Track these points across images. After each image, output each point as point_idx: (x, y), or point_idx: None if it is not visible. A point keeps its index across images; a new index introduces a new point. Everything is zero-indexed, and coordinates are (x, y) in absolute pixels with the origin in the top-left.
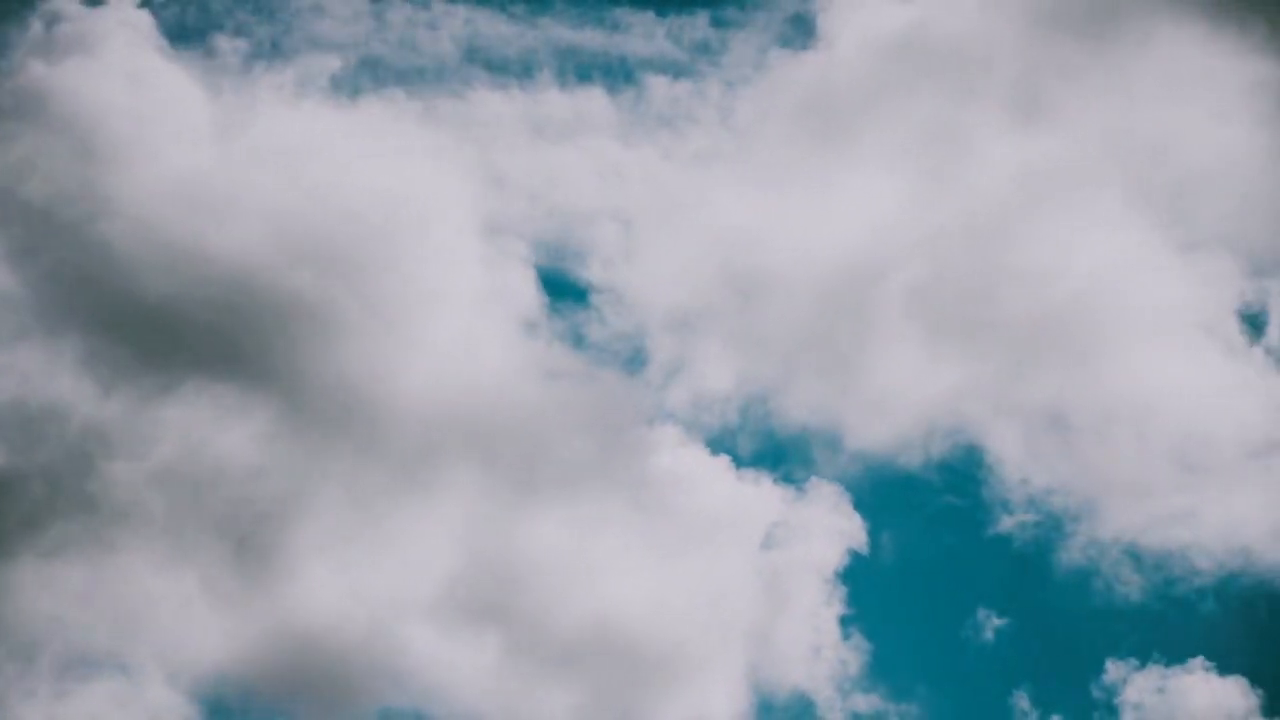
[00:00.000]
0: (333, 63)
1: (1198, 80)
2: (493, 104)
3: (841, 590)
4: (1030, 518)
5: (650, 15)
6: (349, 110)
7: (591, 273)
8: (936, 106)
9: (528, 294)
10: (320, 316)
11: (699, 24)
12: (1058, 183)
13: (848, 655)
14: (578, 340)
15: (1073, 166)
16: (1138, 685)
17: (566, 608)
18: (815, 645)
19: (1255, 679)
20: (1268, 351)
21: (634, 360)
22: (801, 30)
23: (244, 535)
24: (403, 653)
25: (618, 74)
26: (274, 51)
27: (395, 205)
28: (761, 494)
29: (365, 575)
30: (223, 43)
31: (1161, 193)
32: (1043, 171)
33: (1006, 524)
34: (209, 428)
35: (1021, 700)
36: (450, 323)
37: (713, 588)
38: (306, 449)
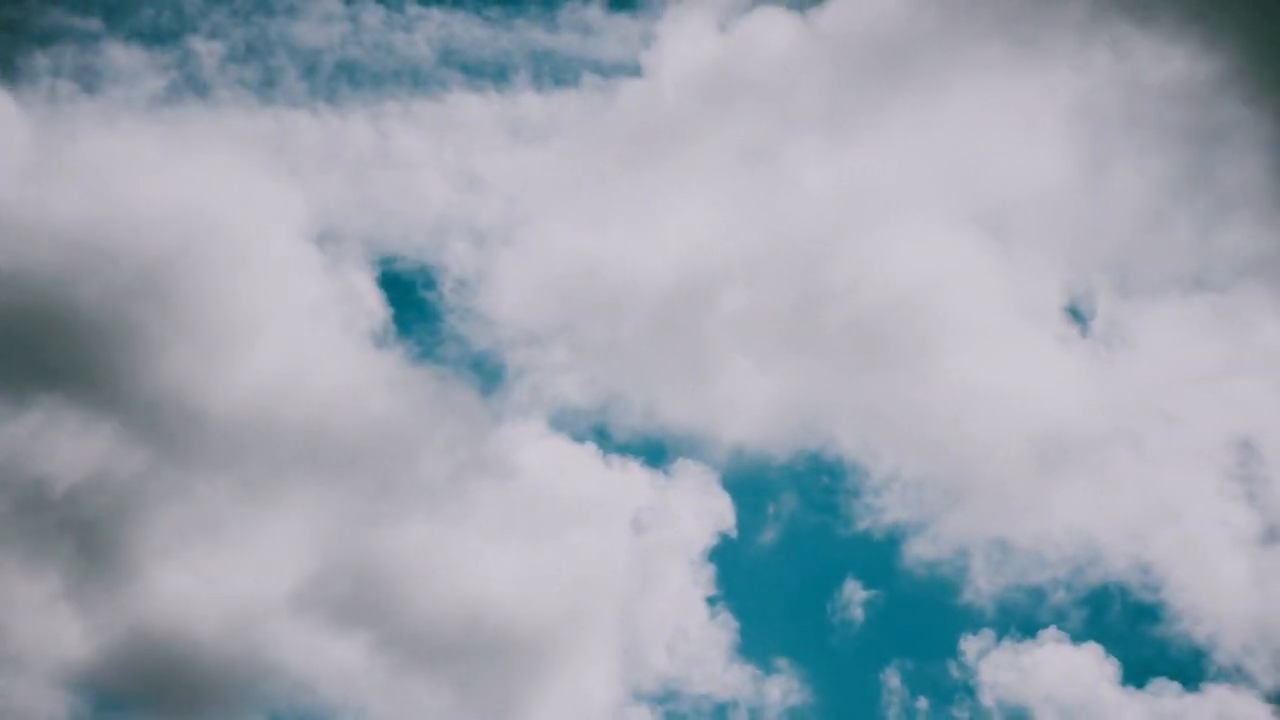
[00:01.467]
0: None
1: (1006, 105)
2: (343, 119)
3: (710, 570)
4: (889, 508)
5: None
6: (171, 129)
7: (444, 286)
8: (756, 132)
9: (374, 307)
10: (143, 331)
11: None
12: (880, 201)
13: (716, 633)
14: (430, 351)
15: (892, 186)
16: (994, 660)
17: (434, 603)
18: (684, 624)
19: (1109, 648)
20: (1093, 341)
21: (488, 368)
22: (629, 59)
23: (90, 543)
24: (270, 654)
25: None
26: (88, 74)
27: (222, 221)
28: (630, 480)
29: (225, 581)
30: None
31: (979, 207)
32: (863, 191)
33: (865, 514)
34: (46, 440)
35: (891, 677)
36: (290, 336)
37: (583, 573)
38: (146, 459)
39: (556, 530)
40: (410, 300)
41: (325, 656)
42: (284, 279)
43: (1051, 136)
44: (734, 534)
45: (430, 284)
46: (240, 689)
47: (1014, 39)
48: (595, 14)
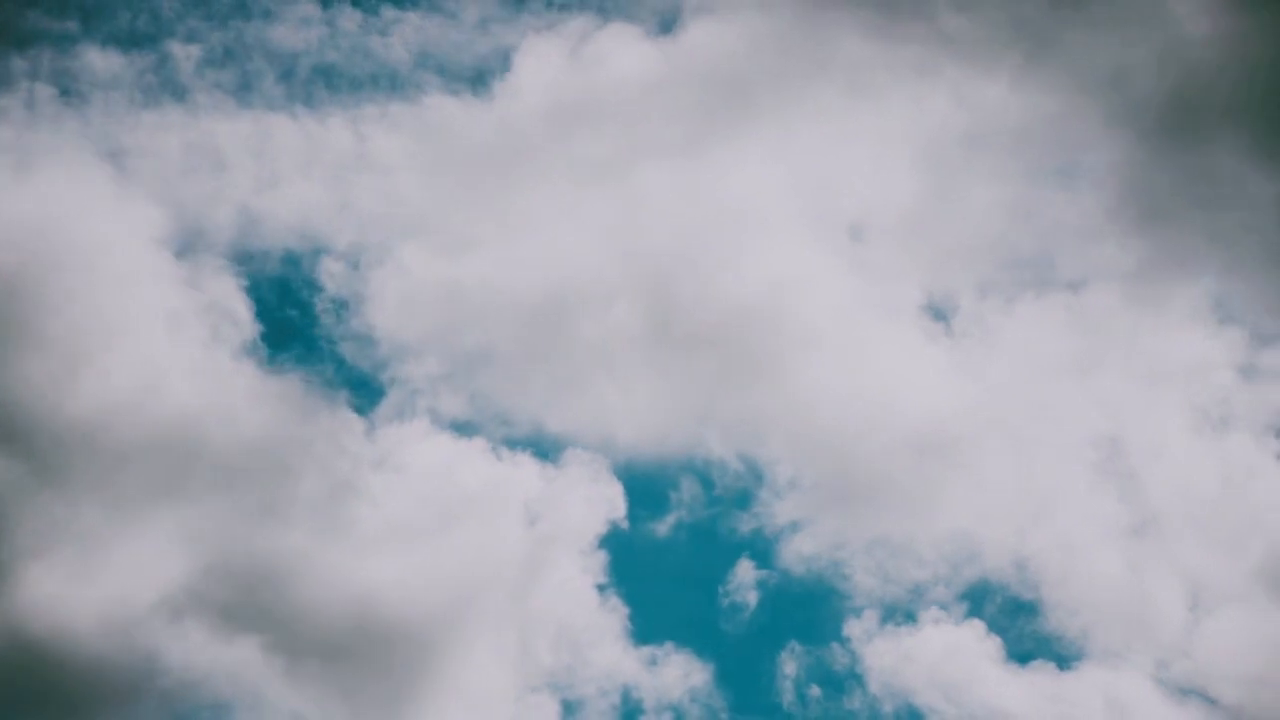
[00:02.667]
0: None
1: (854, 132)
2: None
3: (603, 558)
4: (771, 506)
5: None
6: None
7: (316, 298)
8: (620, 150)
9: (243, 318)
10: None
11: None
12: (739, 217)
13: (609, 619)
14: (303, 360)
15: (751, 202)
16: (878, 647)
17: (323, 604)
18: (577, 612)
19: (991, 626)
20: (957, 341)
21: (363, 376)
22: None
23: None
24: (154, 660)
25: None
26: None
27: (77, 232)
28: (520, 473)
29: (100, 587)
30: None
31: (834, 222)
32: (722, 207)
33: (749, 511)
34: None
35: (784, 663)
36: (154, 346)
37: (474, 566)
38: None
39: (446, 526)
40: (282, 311)
41: (212, 660)
42: (145, 290)
43: (898, 162)
44: (625, 524)
45: (303, 296)
46: (123, 694)
47: (860, 70)
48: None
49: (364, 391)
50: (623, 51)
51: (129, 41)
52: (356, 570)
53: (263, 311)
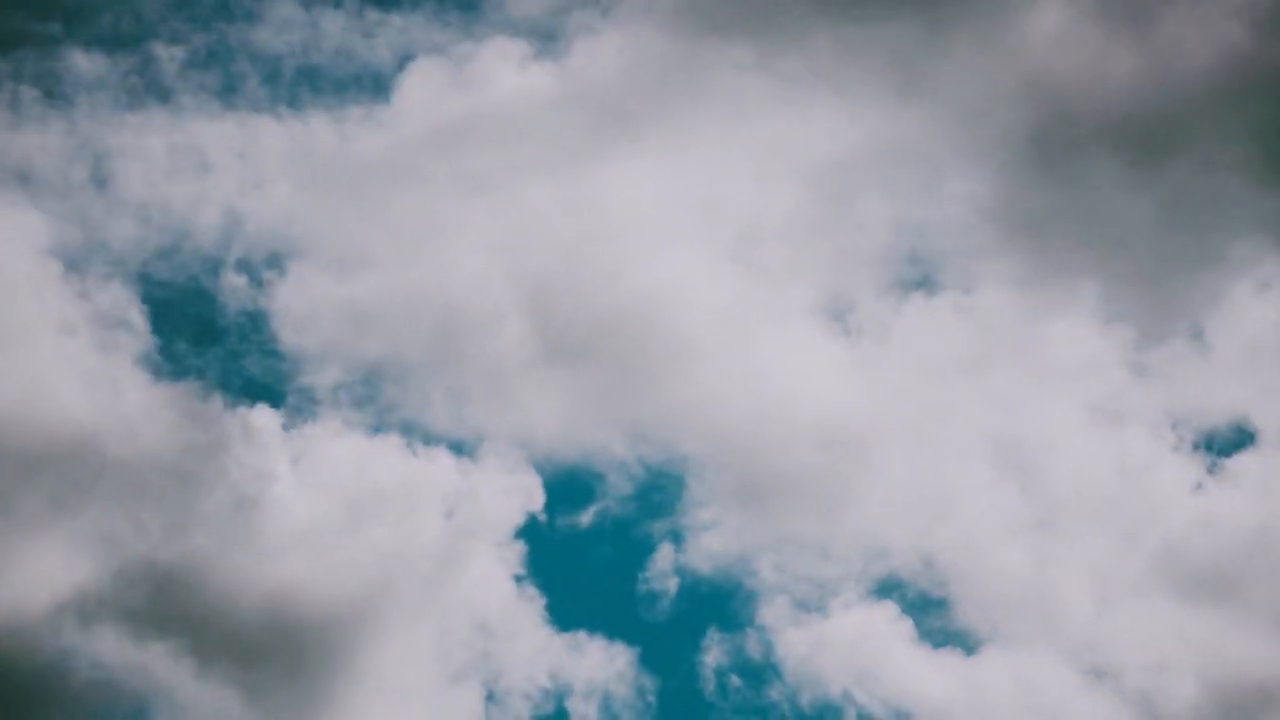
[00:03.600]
0: None
1: (742, 145)
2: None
3: (521, 549)
4: (688, 504)
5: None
6: None
7: (218, 308)
8: (498, 168)
9: (140, 328)
10: None
11: None
12: (636, 228)
13: (529, 610)
14: (204, 369)
15: (650, 214)
16: (792, 636)
17: (237, 605)
18: (498, 603)
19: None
20: (850, 339)
21: (269, 384)
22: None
23: None
24: (68, 665)
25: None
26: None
27: None
28: (436, 468)
29: (9, 593)
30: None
31: (727, 230)
32: (620, 219)
33: (663, 508)
34: None
35: (705, 655)
36: (43, 359)
37: (392, 562)
38: None
39: (359, 523)
40: (181, 322)
41: (125, 664)
42: (36, 301)
43: (781, 179)
44: (543, 516)
45: (201, 306)
46: (34, 698)
47: (740, 93)
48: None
49: (268, 397)
50: (508, 70)
51: (113, 43)
52: (268, 571)
53: (160, 322)
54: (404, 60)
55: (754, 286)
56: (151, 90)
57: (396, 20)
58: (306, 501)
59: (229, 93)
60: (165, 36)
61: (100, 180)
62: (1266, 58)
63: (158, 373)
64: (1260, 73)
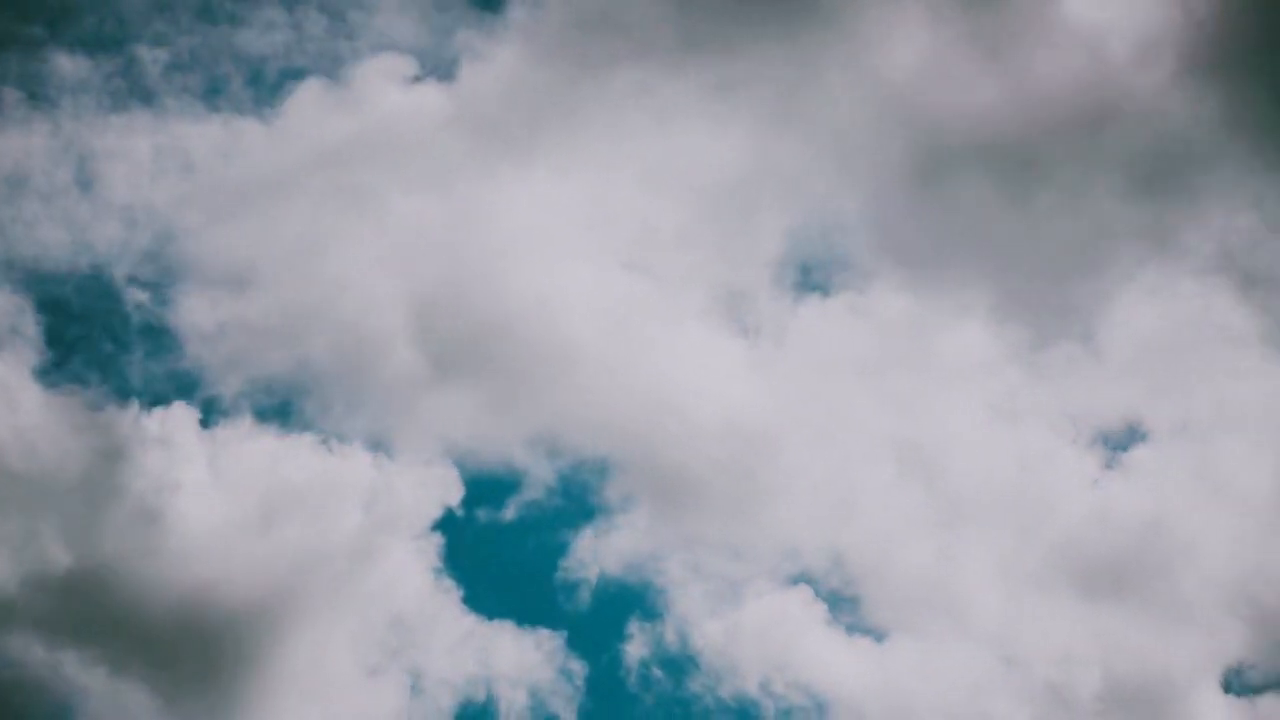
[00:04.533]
0: None
1: (630, 163)
2: None
3: (438, 541)
4: (598, 503)
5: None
6: None
7: (116, 313)
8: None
9: (31, 334)
10: None
11: None
12: (532, 238)
13: (446, 602)
14: (104, 377)
15: (543, 225)
16: (708, 629)
17: (149, 608)
18: (417, 595)
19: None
20: (750, 338)
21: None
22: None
23: None
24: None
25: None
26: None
27: None
28: (351, 464)
29: None
30: None
31: (619, 242)
32: (513, 231)
33: (574, 507)
34: None
35: (618, 649)
36: None
37: (310, 558)
38: None
39: (274, 521)
40: (77, 331)
41: (37, 670)
42: None
43: (669, 194)
44: (460, 510)
45: (101, 310)
46: None
47: (626, 113)
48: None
49: (176, 401)
50: (394, 88)
51: (96, 45)
52: (181, 573)
53: (54, 332)
54: (290, 75)
55: (649, 293)
56: (135, 92)
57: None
58: (219, 503)
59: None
60: (148, 39)
61: (85, 182)
62: (1123, 87)
63: (52, 382)
64: (1118, 101)
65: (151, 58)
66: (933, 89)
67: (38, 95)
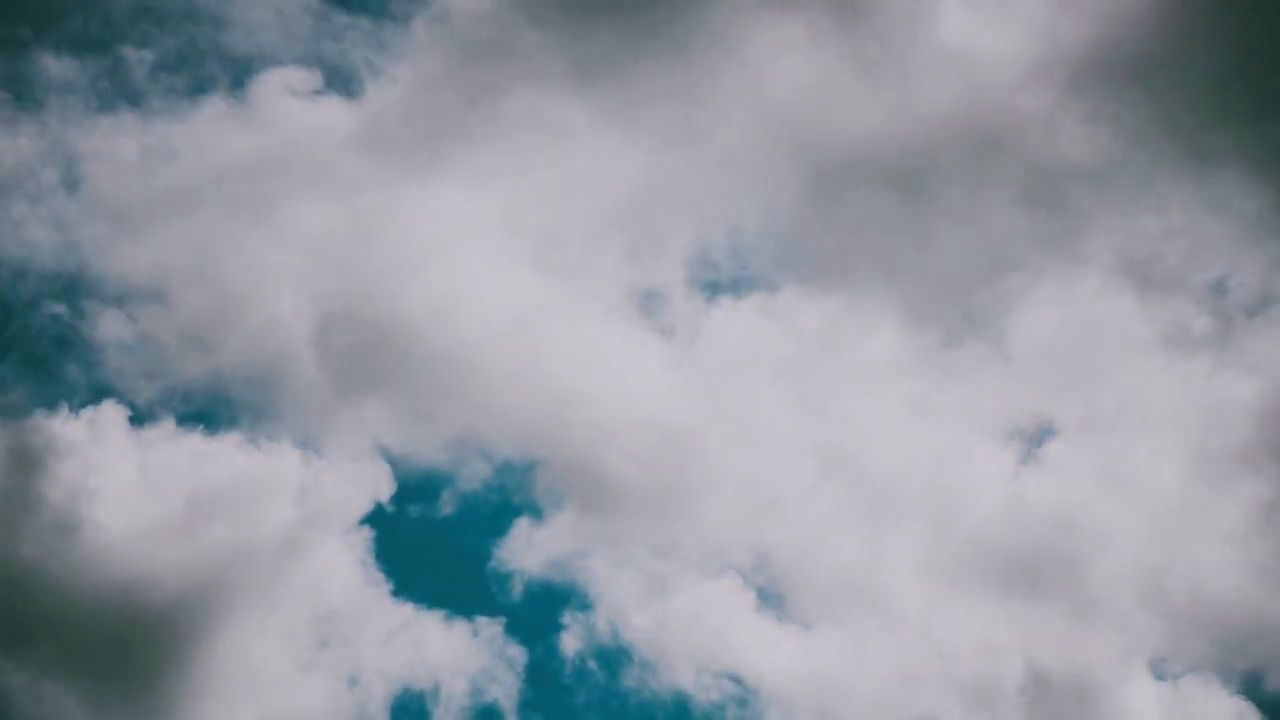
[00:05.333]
0: None
1: (534, 173)
2: None
3: (369, 534)
4: (523, 501)
5: None
6: None
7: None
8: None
9: None
10: None
11: None
12: (448, 243)
13: (377, 595)
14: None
15: (453, 229)
16: (638, 622)
17: (78, 609)
18: (348, 589)
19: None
20: (666, 334)
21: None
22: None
23: None
24: None
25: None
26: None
27: None
28: (281, 461)
29: None
30: None
31: (537, 240)
32: (427, 236)
33: (502, 503)
34: None
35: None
36: None
37: (240, 555)
38: None
39: (203, 519)
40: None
41: None
42: None
43: (577, 205)
44: (390, 506)
45: (16, 319)
46: None
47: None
48: None
49: (99, 403)
50: (298, 101)
51: (82, 46)
52: (106, 575)
53: None
54: (197, 88)
55: (561, 296)
56: (121, 93)
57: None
58: (145, 504)
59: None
60: (134, 39)
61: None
62: (1012, 104)
63: None
64: (1009, 118)
65: (137, 59)
66: (822, 109)
67: (25, 96)
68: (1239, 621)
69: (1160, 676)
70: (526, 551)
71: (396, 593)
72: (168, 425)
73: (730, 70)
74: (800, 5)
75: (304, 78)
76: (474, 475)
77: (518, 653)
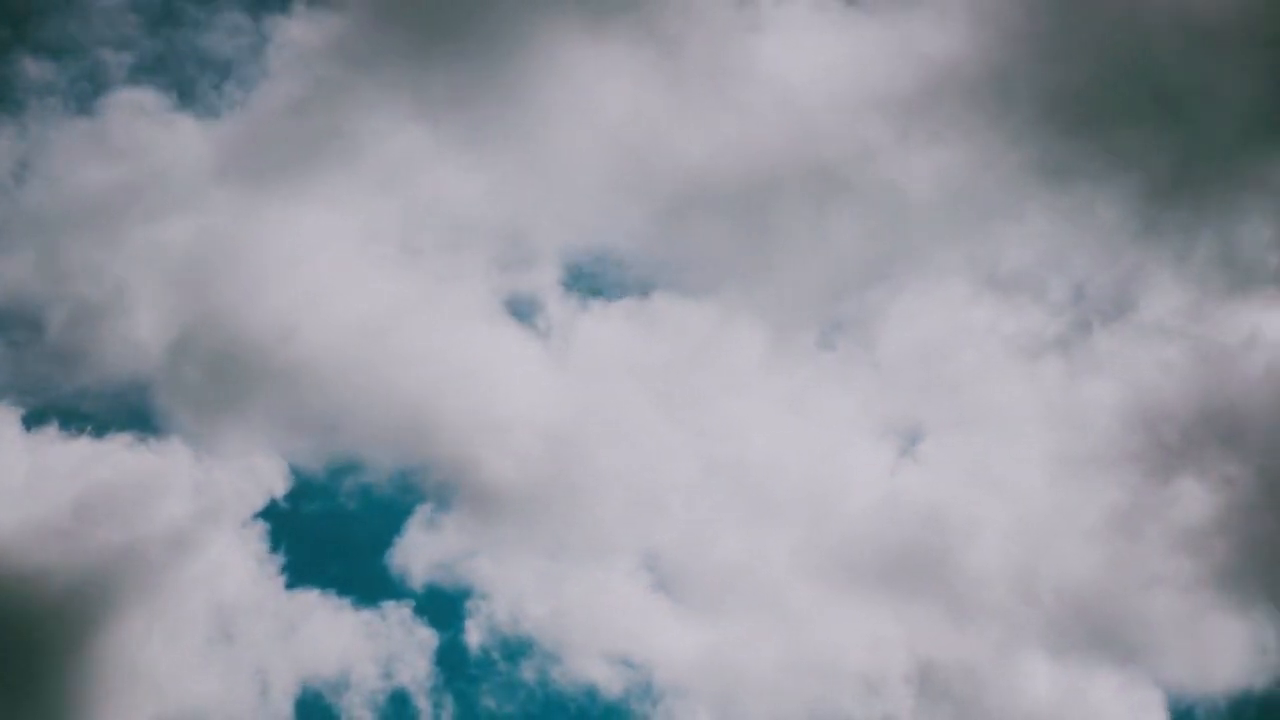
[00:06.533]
0: None
1: (396, 194)
2: None
3: (264, 528)
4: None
5: None
6: None
7: None
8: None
9: None
10: None
11: None
12: (313, 250)
13: (273, 586)
14: None
15: (319, 235)
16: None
17: None
18: (243, 580)
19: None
20: (540, 334)
21: None
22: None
23: None
24: None
25: None
26: None
27: None
28: (170, 461)
29: None
30: None
31: (409, 245)
32: (291, 243)
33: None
34: None
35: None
36: None
37: (136, 557)
38: None
39: (92, 518)
40: None
41: None
42: None
43: (439, 221)
44: (285, 504)
45: None
46: None
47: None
48: None
49: None
50: (150, 122)
51: (60, 48)
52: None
53: None
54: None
55: (437, 303)
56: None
57: None
58: (34, 504)
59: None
60: (113, 43)
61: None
62: (850, 133)
63: None
64: (848, 146)
65: (116, 62)
66: (660, 138)
67: (3, 98)
68: (1104, 609)
69: (1039, 661)
70: (422, 547)
71: (295, 584)
72: (52, 429)
73: (567, 102)
74: (638, 41)
75: (158, 100)
76: (368, 472)
77: (427, 635)
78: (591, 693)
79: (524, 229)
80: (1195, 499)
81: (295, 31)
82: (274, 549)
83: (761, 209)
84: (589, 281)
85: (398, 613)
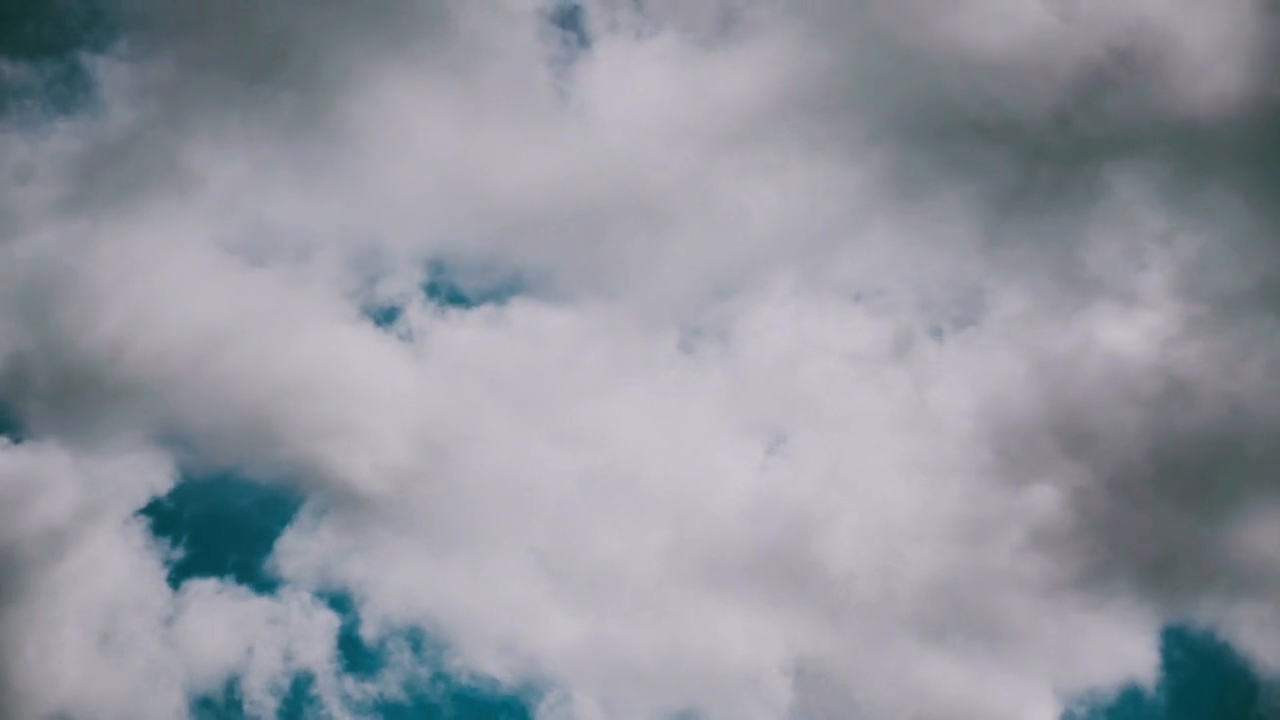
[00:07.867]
0: None
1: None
2: None
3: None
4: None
5: None
6: None
7: None
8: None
9: None
10: None
11: None
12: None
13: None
14: None
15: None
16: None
17: None
18: (125, 576)
19: None
20: (401, 338)
21: None
22: None
23: None
24: None
25: None
26: None
27: None
28: (48, 461)
29: None
30: None
31: (234, 265)
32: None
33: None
34: None
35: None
36: None
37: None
38: None
39: None
40: None
41: None
42: None
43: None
44: (170, 503)
45: None
46: None
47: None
48: None
49: None
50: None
51: (37, 51)
52: None
53: None
54: None
55: (285, 303)
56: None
57: None
58: None
59: None
60: (89, 44)
61: None
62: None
63: None
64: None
65: (93, 64)
66: (487, 166)
67: None
68: (969, 605)
69: (910, 653)
70: (305, 548)
71: (185, 575)
72: None
73: (392, 133)
74: (462, 76)
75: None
76: (244, 473)
77: (328, 617)
78: (475, 684)
79: (369, 243)
80: (1046, 500)
81: (119, 70)
82: (158, 543)
83: (599, 231)
84: (445, 289)
85: (282, 608)
